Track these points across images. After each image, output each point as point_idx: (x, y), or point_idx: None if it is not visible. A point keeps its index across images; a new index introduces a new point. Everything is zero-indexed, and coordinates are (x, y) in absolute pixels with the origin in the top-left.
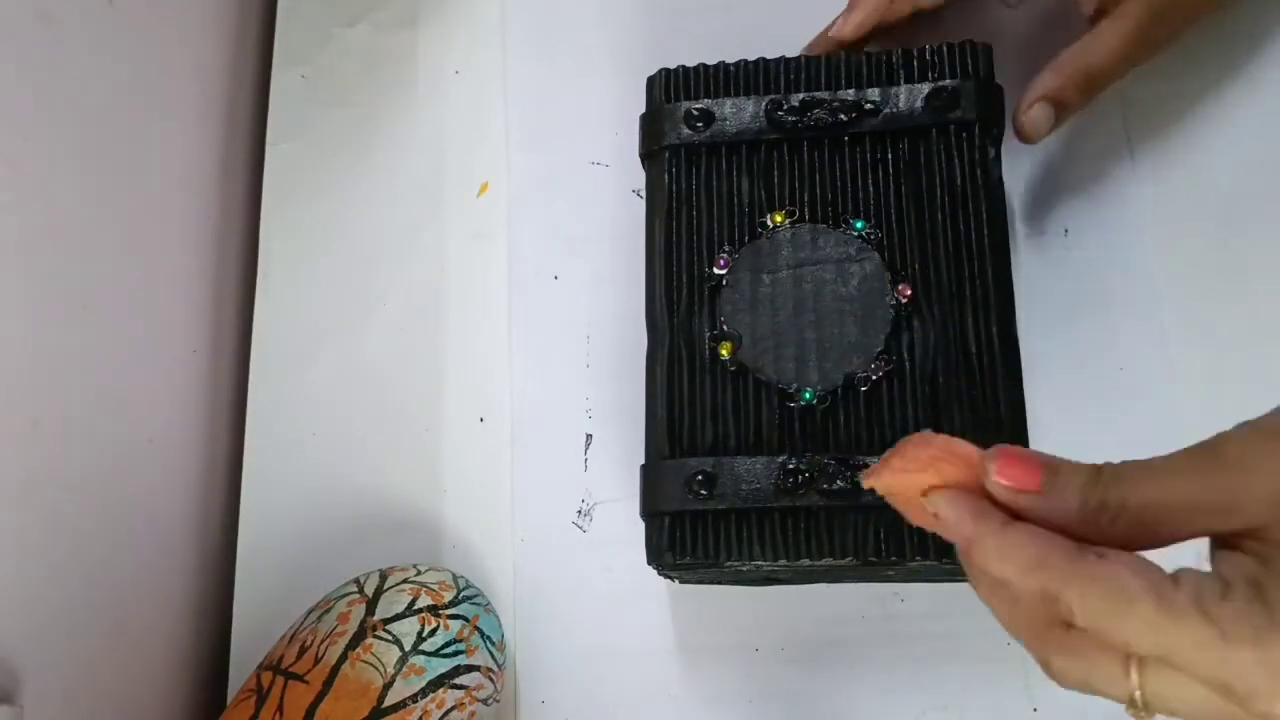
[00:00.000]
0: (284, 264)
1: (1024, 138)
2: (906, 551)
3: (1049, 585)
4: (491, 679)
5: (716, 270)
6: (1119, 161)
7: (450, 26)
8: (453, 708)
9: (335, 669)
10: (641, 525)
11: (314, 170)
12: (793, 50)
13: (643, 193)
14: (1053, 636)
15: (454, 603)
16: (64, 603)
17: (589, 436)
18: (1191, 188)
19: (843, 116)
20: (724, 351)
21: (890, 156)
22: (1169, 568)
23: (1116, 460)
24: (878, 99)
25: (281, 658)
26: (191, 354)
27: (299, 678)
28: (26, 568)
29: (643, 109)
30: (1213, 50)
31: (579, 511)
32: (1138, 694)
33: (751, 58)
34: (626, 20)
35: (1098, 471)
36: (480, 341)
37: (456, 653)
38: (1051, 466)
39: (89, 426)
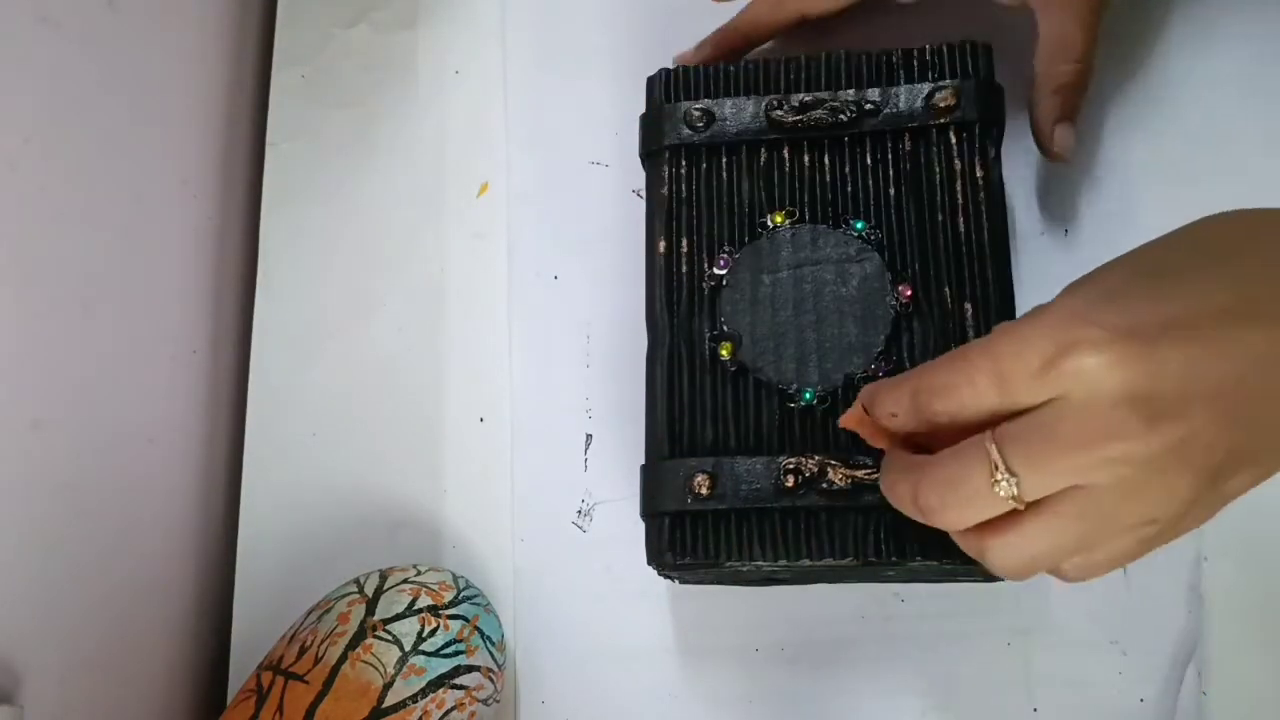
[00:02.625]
0: (284, 264)
1: (1060, 159)
2: (906, 551)
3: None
4: (491, 679)
5: (716, 270)
6: (1119, 161)
7: (450, 27)
8: (453, 708)
9: (335, 669)
10: (641, 525)
11: (314, 170)
12: (771, 52)
13: (643, 193)
14: (924, 474)
15: (454, 603)
16: (64, 603)
17: (589, 436)
18: (1191, 186)
19: (843, 116)
20: (724, 352)
21: (890, 157)
22: None
23: None
24: (878, 99)
25: (281, 658)
26: (191, 354)
27: (299, 678)
28: (26, 568)
29: (643, 109)
30: (1213, 50)
31: (579, 511)
32: (997, 459)
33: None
34: (627, 20)
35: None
36: (480, 341)
37: (456, 653)
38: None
39: (89, 426)
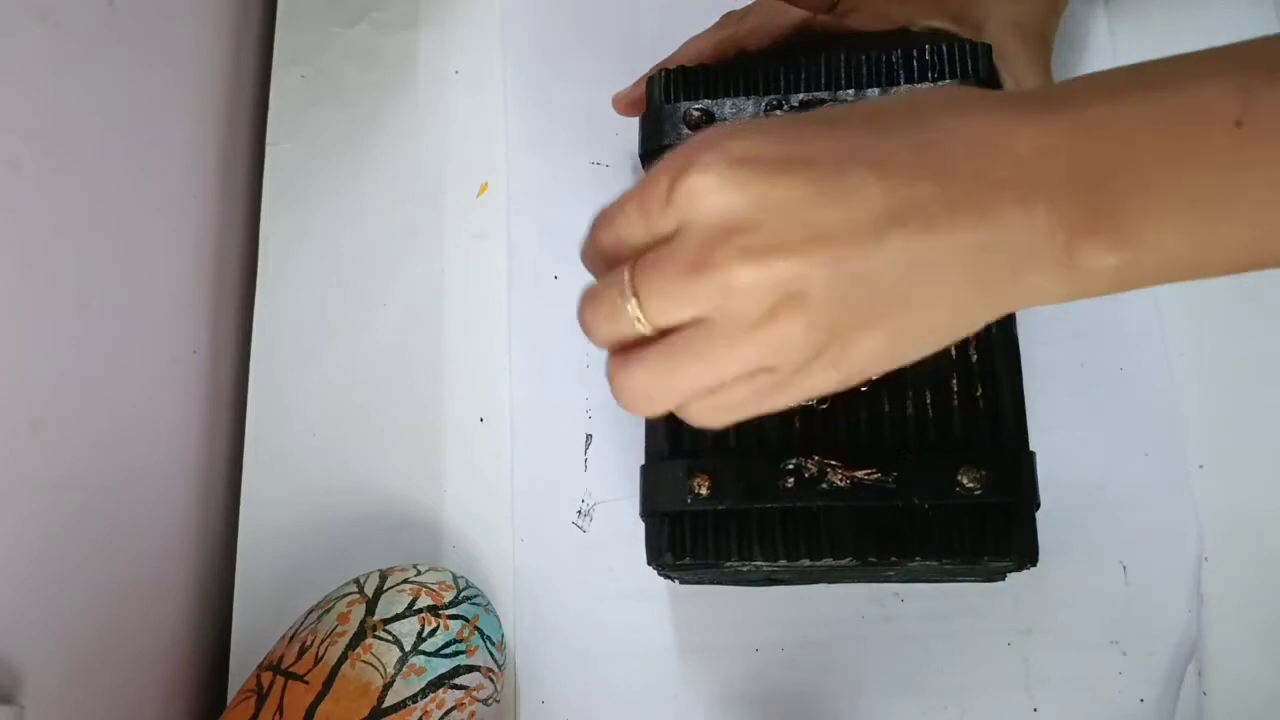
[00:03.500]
0: (284, 264)
1: None
2: (906, 551)
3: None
4: (491, 679)
5: None
6: None
7: (450, 27)
8: (453, 708)
9: (335, 669)
10: (641, 525)
11: (314, 170)
12: (790, 51)
13: None
14: (585, 293)
15: (454, 603)
16: (64, 603)
17: (589, 436)
18: None
19: None
20: None
21: None
22: None
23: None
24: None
25: (281, 658)
26: (191, 354)
27: (299, 678)
28: (26, 568)
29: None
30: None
31: (579, 511)
32: (626, 282)
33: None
34: (626, 21)
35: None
36: (480, 341)
37: (456, 653)
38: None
39: (89, 426)
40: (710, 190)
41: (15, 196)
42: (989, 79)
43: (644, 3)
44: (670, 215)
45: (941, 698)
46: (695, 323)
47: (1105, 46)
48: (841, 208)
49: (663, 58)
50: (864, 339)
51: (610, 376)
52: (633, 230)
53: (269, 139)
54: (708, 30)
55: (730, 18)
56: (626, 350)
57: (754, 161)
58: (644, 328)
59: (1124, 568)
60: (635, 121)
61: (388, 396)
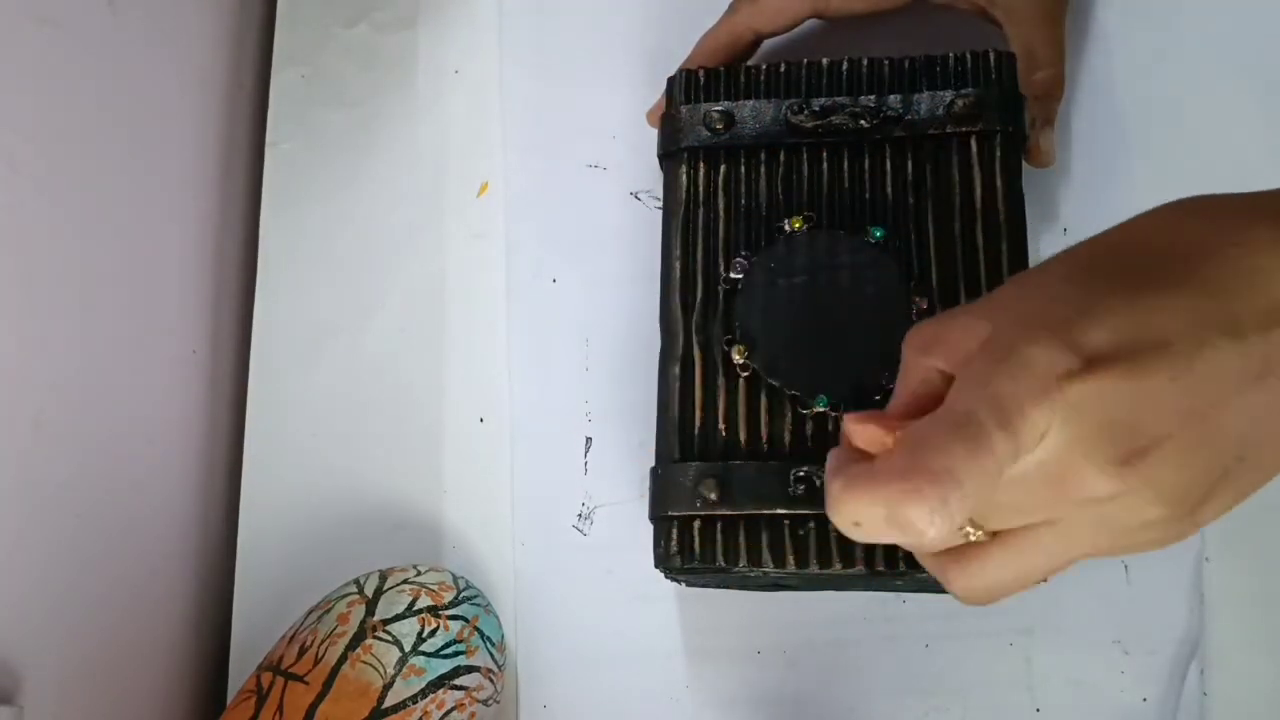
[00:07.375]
0: (284, 264)
1: (1043, 164)
2: (915, 562)
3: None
4: (491, 680)
5: (732, 274)
6: (1119, 160)
7: (450, 27)
8: (453, 708)
9: (335, 670)
10: (642, 529)
11: (314, 170)
12: (791, 54)
13: (640, 196)
14: None
15: (454, 603)
16: (64, 603)
17: (589, 440)
18: (1192, 187)
19: (863, 122)
20: (738, 356)
21: (910, 164)
22: None
23: None
24: (899, 105)
25: (281, 658)
26: (191, 354)
27: (299, 678)
28: (26, 568)
29: (640, 111)
30: (1214, 48)
31: (579, 515)
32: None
33: (751, 62)
34: (624, 22)
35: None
36: (480, 341)
37: (456, 653)
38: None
39: (89, 426)
40: (1083, 401)
41: (15, 196)
42: (1012, 88)
43: (642, 4)
44: (1021, 439)
45: (944, 698)
46: (1044, 525)
47: (1121, 144)
48: (1205, 384)
49: (662, 59)
50: (1219, 499)
51: (946, 577)
52: (1002, 466)
53: (269, 139)
54: (721, 18)
55: (742, 0)
56: (957, 551)
57: (1109, 360)
58: (983, 537)
59: (1125, 567)
60: (633, 124)
61: (388, 396)
